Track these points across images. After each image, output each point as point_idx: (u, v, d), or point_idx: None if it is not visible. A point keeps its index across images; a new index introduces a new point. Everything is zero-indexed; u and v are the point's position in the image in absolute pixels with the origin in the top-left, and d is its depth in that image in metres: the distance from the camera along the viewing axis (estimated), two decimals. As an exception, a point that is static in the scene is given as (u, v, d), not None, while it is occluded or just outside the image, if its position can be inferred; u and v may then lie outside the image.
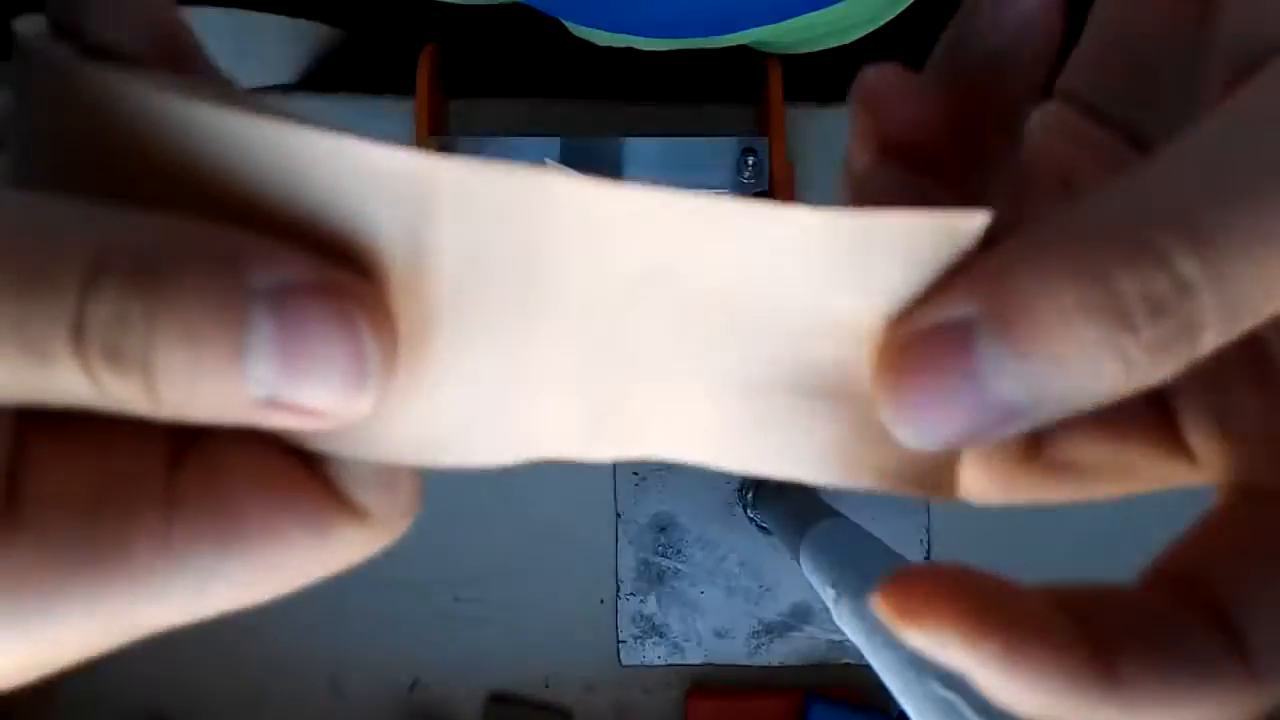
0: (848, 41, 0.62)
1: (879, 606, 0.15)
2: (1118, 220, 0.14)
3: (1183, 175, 0.14)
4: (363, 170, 0.14)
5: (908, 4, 0.59)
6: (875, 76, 0.18)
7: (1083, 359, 0.13)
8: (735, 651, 0.69)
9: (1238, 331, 0.14)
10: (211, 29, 0.55)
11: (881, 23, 0.60)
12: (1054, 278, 0.13)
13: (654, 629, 0.69)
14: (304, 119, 0.14)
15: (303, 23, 0.60)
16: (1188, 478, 0.18)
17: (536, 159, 0.60)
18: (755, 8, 0.55)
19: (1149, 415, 0.18)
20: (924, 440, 0.15)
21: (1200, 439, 0.17)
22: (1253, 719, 0.15)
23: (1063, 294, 0.13)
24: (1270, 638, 0.15)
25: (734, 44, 0.60)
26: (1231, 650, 0.15)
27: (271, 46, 0.64)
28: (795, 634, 0.69)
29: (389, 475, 0.16)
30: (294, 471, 0.15)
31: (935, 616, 0.15)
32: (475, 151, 0.61)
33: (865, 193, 0.18)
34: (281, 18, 0.57)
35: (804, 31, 0.60)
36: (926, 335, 0.14)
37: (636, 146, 0.61)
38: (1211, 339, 0.13)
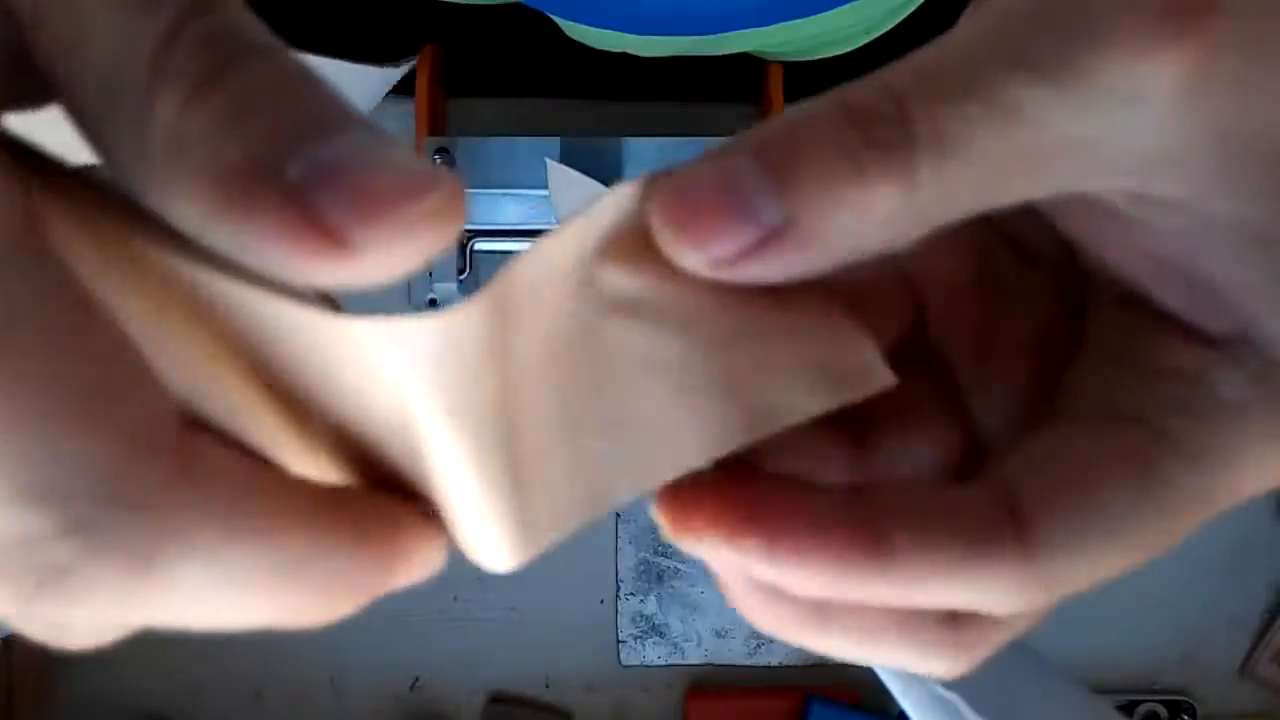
0: (845, 51, 0.62)
1: (658, 521, 0.17)
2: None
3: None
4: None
5: (906, 14, 0.59)
6: None
7: (822, 164, 0.15)
8: (735, 651, 0.69)
9: (946, 164, 0.15)
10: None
11: (880, 33, 0.60)
12: (806, 117, 0.16)
13: (654, 629, 0.69)
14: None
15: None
16: None
17: (536, 159, 0.60)
18: (750, 8, 0.55)
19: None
20: (709, 260, 0.16)
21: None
22: (1030, 605, 0.15)
23: (810, 121, 0.16)
24: (1051, 525, 0.15)
25: (732, 51, 0.60)
26: (1010, 530, 0.15)
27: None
28: (795, 634, 0.69)
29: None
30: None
31: (700, 523, 0.16)
32: (475, 151, 0.61)
33: None
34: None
35: (802, 41, 0.60)
36: (704, 176, 0.16)
37: (637, 146, 0.61)
38: (926, 160, 0.15)
